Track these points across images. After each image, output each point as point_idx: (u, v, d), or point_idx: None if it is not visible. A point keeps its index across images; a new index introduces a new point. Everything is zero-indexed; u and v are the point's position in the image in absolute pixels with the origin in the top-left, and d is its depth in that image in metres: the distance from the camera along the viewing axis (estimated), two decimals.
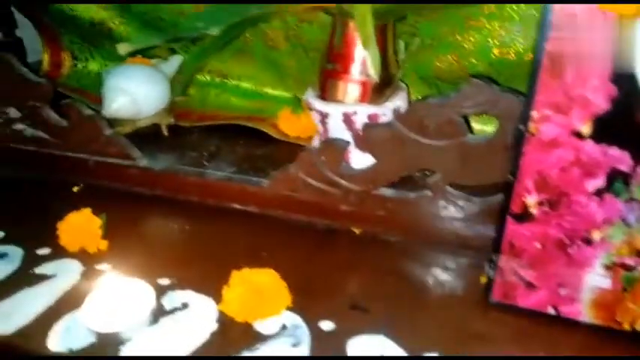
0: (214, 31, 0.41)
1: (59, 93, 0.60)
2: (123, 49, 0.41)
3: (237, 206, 0.57)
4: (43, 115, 0.59)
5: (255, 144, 0.66)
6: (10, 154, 0.63)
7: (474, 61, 0.60)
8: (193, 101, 0.74)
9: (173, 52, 0.74)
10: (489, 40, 0.58)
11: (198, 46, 0.47)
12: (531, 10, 0.55)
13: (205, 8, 0.43)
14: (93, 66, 0.82)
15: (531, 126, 0.37)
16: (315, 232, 0.53)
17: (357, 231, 0.53)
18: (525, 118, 0.37)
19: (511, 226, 0.41)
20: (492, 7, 0.56)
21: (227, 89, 0.76)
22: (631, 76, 0.35)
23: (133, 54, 0.70)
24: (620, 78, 0.35)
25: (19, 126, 0.61)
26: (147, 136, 0.65)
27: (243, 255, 0.49)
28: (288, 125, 0.66)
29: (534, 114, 0.37)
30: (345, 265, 0.49)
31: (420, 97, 0.65)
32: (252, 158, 0.63)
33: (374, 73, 0.46)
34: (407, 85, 0.58)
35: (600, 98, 0.36)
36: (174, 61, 0.71)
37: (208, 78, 0.76)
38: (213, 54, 0.56)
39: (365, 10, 0.45)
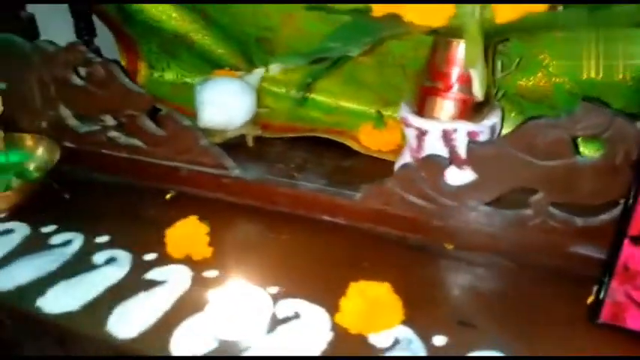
0: (353, 51, 0.43)
1: None
2: (274, 69, 0.42)
3: (327, 218, 0.58)
4: (139, 124, 0.61)
5: (340, 157, 0.67)
6: (104, 160, 0.65)
7: (560, 80, 0.60)
8: (271, 113, 0.75)
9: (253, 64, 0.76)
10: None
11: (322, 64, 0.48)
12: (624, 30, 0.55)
13: (337, 28, 0.44)
14: (169, 76, 0.84)
15: None
16: (407, 247, 0.54)
17: (449, 247, 0.53)
18: None
19: (627, 249, 0.41)
20: None
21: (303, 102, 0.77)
22: None
23: (220, 66, 0.72)
24: None
25: (114, 133, 0.63)
26: (231, 147, 0.66)
27: (343, 266, 0.50)
28: (370, 139, 0.67)
29: None
30: (441, 280, 0.50)
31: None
32: (340, 171, 0.64)
33: (480, 92, 0.47)
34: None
35: None
36: (258, 74, 0.72)
37: (284, 90, 0.78)
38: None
39: (476, 31, 0.46)
